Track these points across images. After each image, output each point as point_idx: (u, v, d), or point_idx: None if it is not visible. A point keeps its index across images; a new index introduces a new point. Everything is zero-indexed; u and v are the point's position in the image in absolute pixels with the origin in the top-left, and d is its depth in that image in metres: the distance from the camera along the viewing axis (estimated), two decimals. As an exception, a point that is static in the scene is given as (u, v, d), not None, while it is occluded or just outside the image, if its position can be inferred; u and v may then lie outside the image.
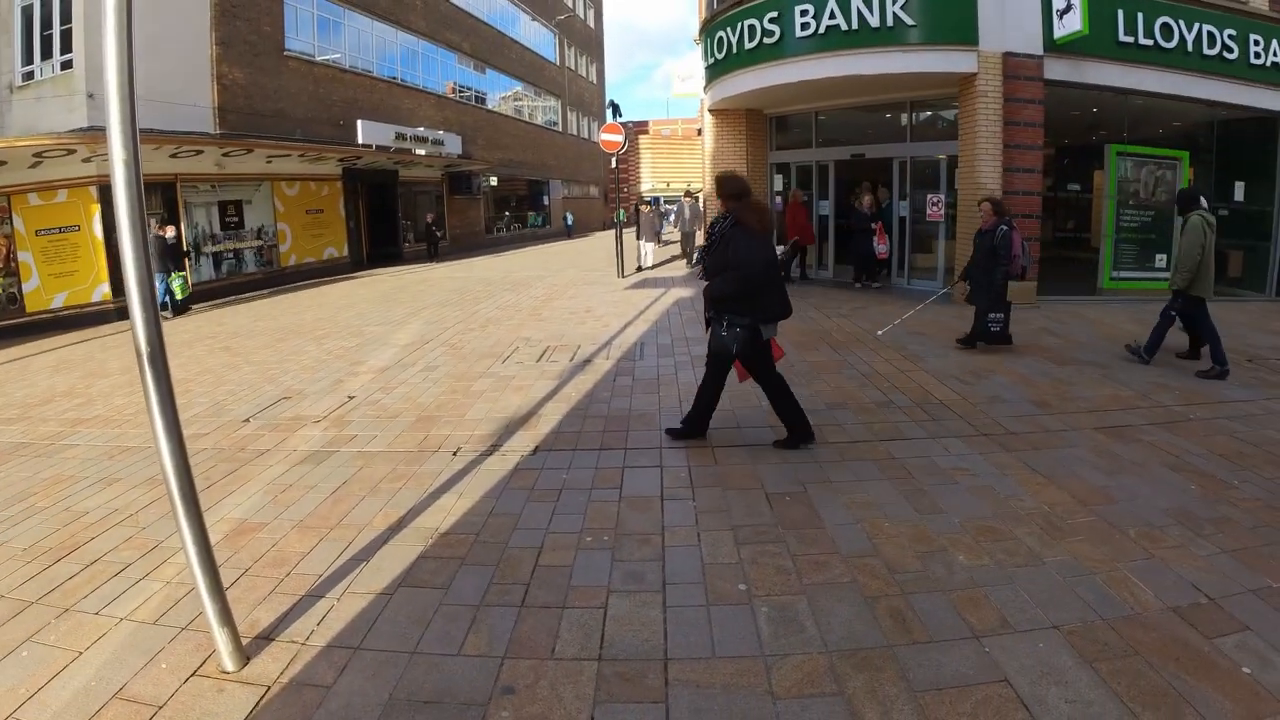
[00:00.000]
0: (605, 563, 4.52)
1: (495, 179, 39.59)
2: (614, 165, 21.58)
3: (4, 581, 4.64)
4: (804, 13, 14.32)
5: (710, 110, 18.91)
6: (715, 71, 17.39)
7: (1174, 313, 9.24)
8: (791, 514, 5.09)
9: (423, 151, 29.86)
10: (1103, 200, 15.26)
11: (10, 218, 16.52)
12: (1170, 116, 16.22)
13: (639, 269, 21.14)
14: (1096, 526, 4.77)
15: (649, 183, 79.68)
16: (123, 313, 17.31)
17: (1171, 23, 14.23)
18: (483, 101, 39.78)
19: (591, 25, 61.59)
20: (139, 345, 3.29)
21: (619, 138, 20.12)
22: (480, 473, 6.09)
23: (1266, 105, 15.60)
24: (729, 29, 16.18)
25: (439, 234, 30.94)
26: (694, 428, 6.62)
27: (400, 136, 28.38)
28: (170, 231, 17.97)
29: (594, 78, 61.90)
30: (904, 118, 16.54)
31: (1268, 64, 15.27)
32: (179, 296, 17.70)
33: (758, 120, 18.91)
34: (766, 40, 15.13)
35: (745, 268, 5.78)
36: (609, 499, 5.47)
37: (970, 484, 5.52)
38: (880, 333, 11.02)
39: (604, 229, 45.68)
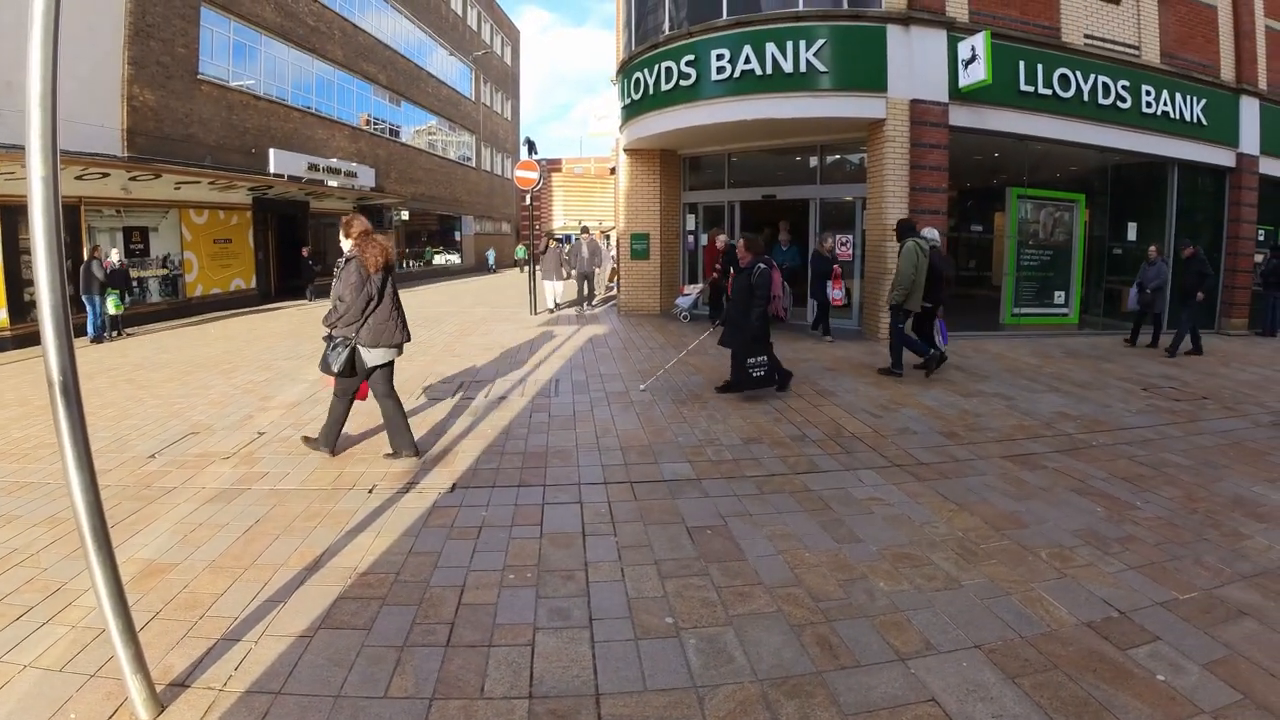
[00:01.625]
0: (530, 600, 4.49)
1: (407, 213, 39.27)
2: (528, 202, 21.63)
3: None
4: (720, 57, 14.73)
5: (625, 150, 19.04)
6: (631, 111, 17.58)
7: (900, 325, 10.98)
8: (713, 547, 5.14)
9: (335, 183, 29.48)
10: (1004, 240, 16.14)
11: (-98, 244, 15.83)
12: (1068, 161, 17.15)
13: (550, 310, 20.82)
14: (1009, 549, 4.98)
15: (561, 220, 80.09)
16: (20, 340, 17.16)
17: (1069, 73, 15.36)
18: (397, 135, 39.53)
19: (509, 62, 61.87)
20: (51, 375, 3.15)
21: (534, 174, 20.21)
22: (398, 510, 5.99)
23: (1156, 151, 16.98)
24: (646, 70, 16.43)
25: (315, 266, 27.39)
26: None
27: (313, 167, 27.96)
28: (103, 252, 17.73)
29: (509, 114, 62.02)
30: (814, 160, 16.91)
31: (1158, 113, 16.62)
32: (113, 311, 17.65)
33: (671, 160, 19.23)
34: (683, 82, 15.43)
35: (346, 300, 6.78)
36: (530, 535, 5.44)
37: (885, 513, 5.67)
38: (643, 387, 10.38)
39: (515, 266, 45.43)
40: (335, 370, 6.93)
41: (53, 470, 7.17)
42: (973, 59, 13.94)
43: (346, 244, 6.97)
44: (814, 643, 3.91)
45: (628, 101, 17.69)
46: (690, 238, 19.52)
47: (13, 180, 16.40)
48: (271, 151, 26.07)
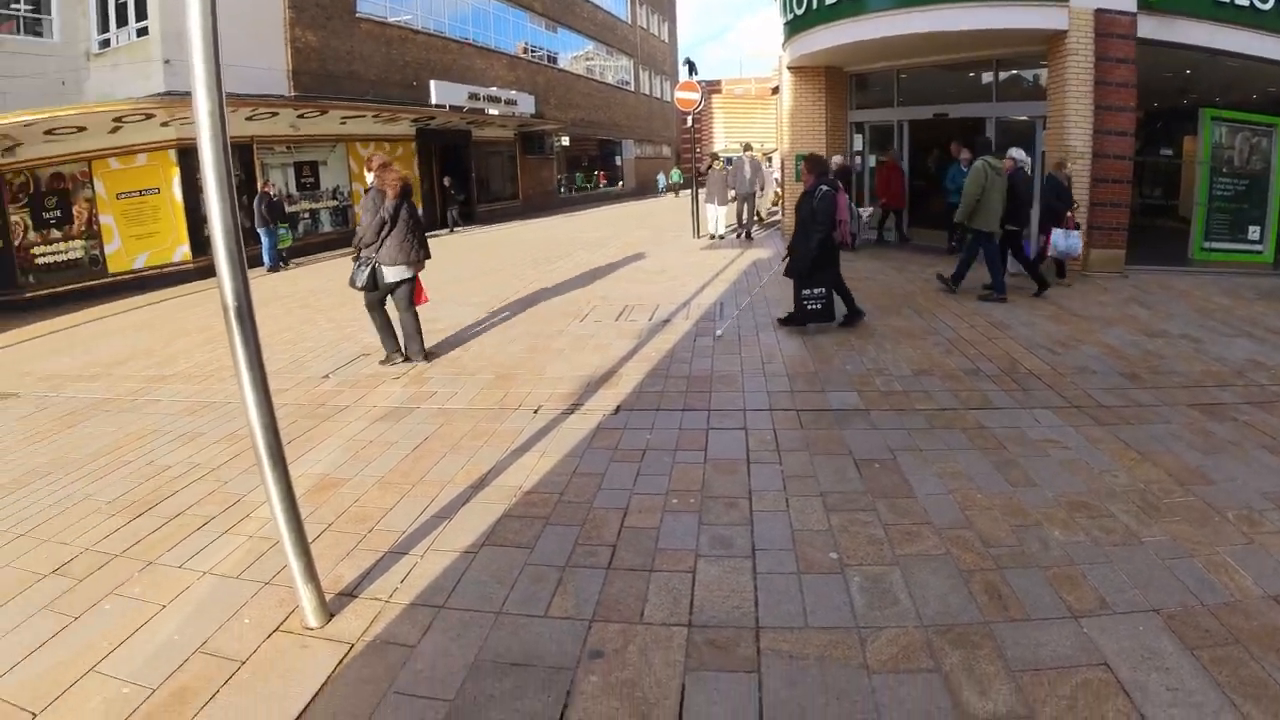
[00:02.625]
0: (692, 526, 4.42)
1: (567, 139, 39.36)
2: (689, 124, 21.14)
3: (89, 535, 4.73)
4: None
5: (789, 67, 18.15)
6: (795, 27, 16.76)
7: (982, 246, 10.87)
8: (881, 482, 4.93)
9: (495, 111, 29.85)
10: (1195, 167, 14.54)
11: (91, 182, 17.02)
12: (1265, 81, 15.26)
13: (712, 236, 19.66)
14: (1194, 507, 4.50)
15: (722, 142, 78.15)
16: (203, 272, 18.04)
17: None
18: (554, 61, 39.49)
19: (664, -18, 60.76)
20: (226, 300, 3.22)
21: (695, 95, 19.81)
22: (562, 431, 6.04)
23: None
24: None
25: (458, 196, 27.24)
26: None
27: (473, 97, 28.37)
28: (274, 188, 18.64)
29: (666, 36, 61.02)
30: (988, 76, 15.87)
31: None
32: (283, 246, 18.51)
33: (837, 78, 18.17)
34: None
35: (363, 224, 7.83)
36: (694, 460, 5.35)
37: (1062, 457, 5.28)
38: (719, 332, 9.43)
39: (671, 191, 44.95)
40: (358, 285, 7.90)
41: (232, 390, 7.53)
42: (1165, -40, 12.56)
43: (369, 177, 7.86)
44: (982, 590, 3.68)
45: (791, 17, 16.85)
46: (858, 158, 18.62)
47: (189, 124, 17.23)
48: (432, 83, 26.61)
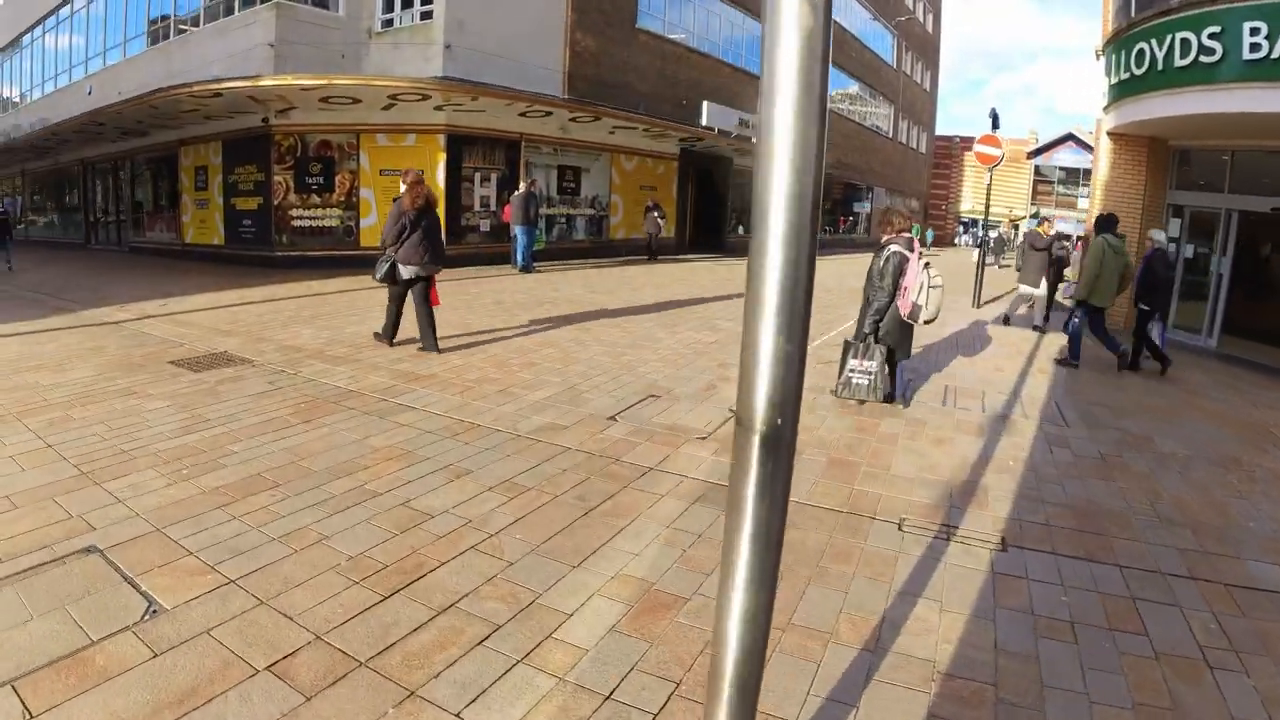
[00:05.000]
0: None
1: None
2: (989, 180, 18.78)
3: (324, 607, 3.29)
4: (1255, 31, 11.43)
5: (1110, 133, 15.98)
6: (1124, 89, 14.44)
7: (1076, 319, 11.03)
8: None
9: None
10: None
11: (357, 154, 16.69)
12: None
13: (1035, 328, 14.46)
14: None
15: (969, 202, 75.27)
16: (452, 262, 17.14)
17: None
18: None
19: (930, 30, 58.23)
20: (753, 418, 1.69)
21: (998, 151, 17.59)
22: (948, 568, 4.21)
23: None
24: (1152, 41, 13.24)
25: (660, 218, 23.20)
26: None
27: (743, 123, 27.06)
28: (538, 187, 18.09)
29: (928, 84, 58.64)
30: None
31: None
32: (538, 248, 17.87)
33: (1160, 151, 15.77)
34: (1203, 58, 12.21)
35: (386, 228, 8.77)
36: (1139, 650, 3.54)
37: None
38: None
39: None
40: (377, 277, 8.80)
41: (503, 411, 6.52)
42: None
43: (402, 188, 8.81)
44: None
45: (1121, 78, 14.52)
46: (1172, 246, 15.31)
47: (461, 111, 16.66)
48: (705, 104, 25.40)
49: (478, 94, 16.02)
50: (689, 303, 13.96)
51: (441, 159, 17.02)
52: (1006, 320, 14.29)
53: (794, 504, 4.82)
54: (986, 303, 17.26)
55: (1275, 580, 4.45)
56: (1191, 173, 15.91)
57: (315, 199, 16.88)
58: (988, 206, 18.89)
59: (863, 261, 25.66)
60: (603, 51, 21.80)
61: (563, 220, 21.11)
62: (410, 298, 8.93)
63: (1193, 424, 8.07)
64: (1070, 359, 10.84)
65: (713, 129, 25.19)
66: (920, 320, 7.43)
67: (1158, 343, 11.05)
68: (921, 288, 7.30)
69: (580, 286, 15.44)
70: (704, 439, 6.18)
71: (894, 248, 7.43)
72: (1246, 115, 12.14)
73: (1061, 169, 68.66)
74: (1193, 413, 8.64)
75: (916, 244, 7.50)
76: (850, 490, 5.26)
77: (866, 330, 7.46)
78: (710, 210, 28.38)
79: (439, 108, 16.39)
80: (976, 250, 42.02)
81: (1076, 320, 11.07)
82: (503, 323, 10.79)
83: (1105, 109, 15.83)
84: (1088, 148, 67.16)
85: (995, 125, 18.40)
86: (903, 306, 7.37)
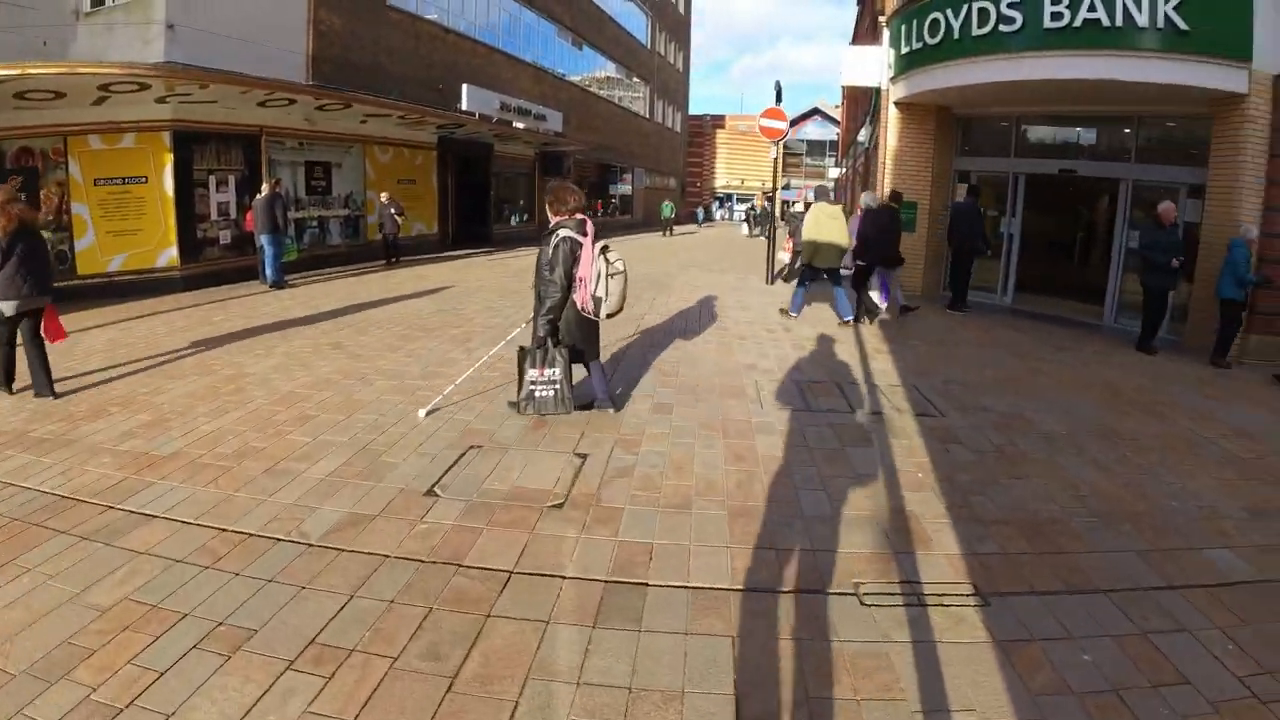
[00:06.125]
0: None
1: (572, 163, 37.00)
2: (775, 154, 18.49)
3: None
4: (1057, 0, 12.00)
5: (897, 103, 16.20)
6: (915, 60, 14.84)
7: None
8: None
9: (523, 125, 27.17)
10: None
11: (65, 162, 13.87)
12: None
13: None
14: None
15: (723, 179, 77.20)
16: (190, 281, 15.13)
17: None
18: (577, 80, 37.21)
19: (682, 11, 58.82)
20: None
21: (783, 124, 17.22)
22: (951, 654, 3.57)
23: None
24: (948, 11, 13.62)
25: (399, 217, 19.84)
26: None
27: (505, 107, 25.77)
28: (284, 188, 16.09)
29: (680, 65, 59.22)
30: (1126, 133, 14.26)
31: None
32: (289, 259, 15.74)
33: (946, 120, 16.34)
34: (1003, 28, 12.67)
35: None
36: (1200, 712, 3.21)
37: None
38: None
39: (664, 229, 40.89)
40: None
41: (283, 505, 4.78)
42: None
43: None
44: None
45: (914, 48, 14.85)
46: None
47: (188, 103, 14.38)
48: (465, 87, 23.91)
49: (208, 81, 13.72)
50: (476, 311, 12.65)
51: (169, 161, 14.53)
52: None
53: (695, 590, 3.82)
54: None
55: (1237, 567, 4.62)
56: (977, 139, 16.73)
57: (17, 221, 13.84)
58: (776, 184, 18.75)
59: (649, 243, 25.14)
60: (351, 32, 19.89)
61: (314, 224, 18.87)
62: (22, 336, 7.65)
63: (1047, 394, 8.48)
64: (845, 318, 12.02)
65: (474, 114, 23.77)
66: (601, 315, 6.52)
67: (878, 296, 13.10)
68: (599, 277, 6.40)
69: (344, 299, 13.69)
70: (559, 506, 5.02)
71: (564, 232, 6.42)
72: (1047, 82, 12.69)
73: (806, 141, 71.91)
74: (1041, 380, 9.19)
75: (590, 226, 6.50)
76: (756, 546, 4.43)
77: (542, 333, 6.47)
78: (473, 201, 26.81)
79: (162, 99, 13.95)
80: (744, 225, 42.81)
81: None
82: (258, 360, 8.92)
83: (893, 80, 16.05)
84: (832, 120, 70.51)
85: (779, 99, 18.34)
86: (580, 300, 6.47)
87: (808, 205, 22.07)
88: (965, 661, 3.49)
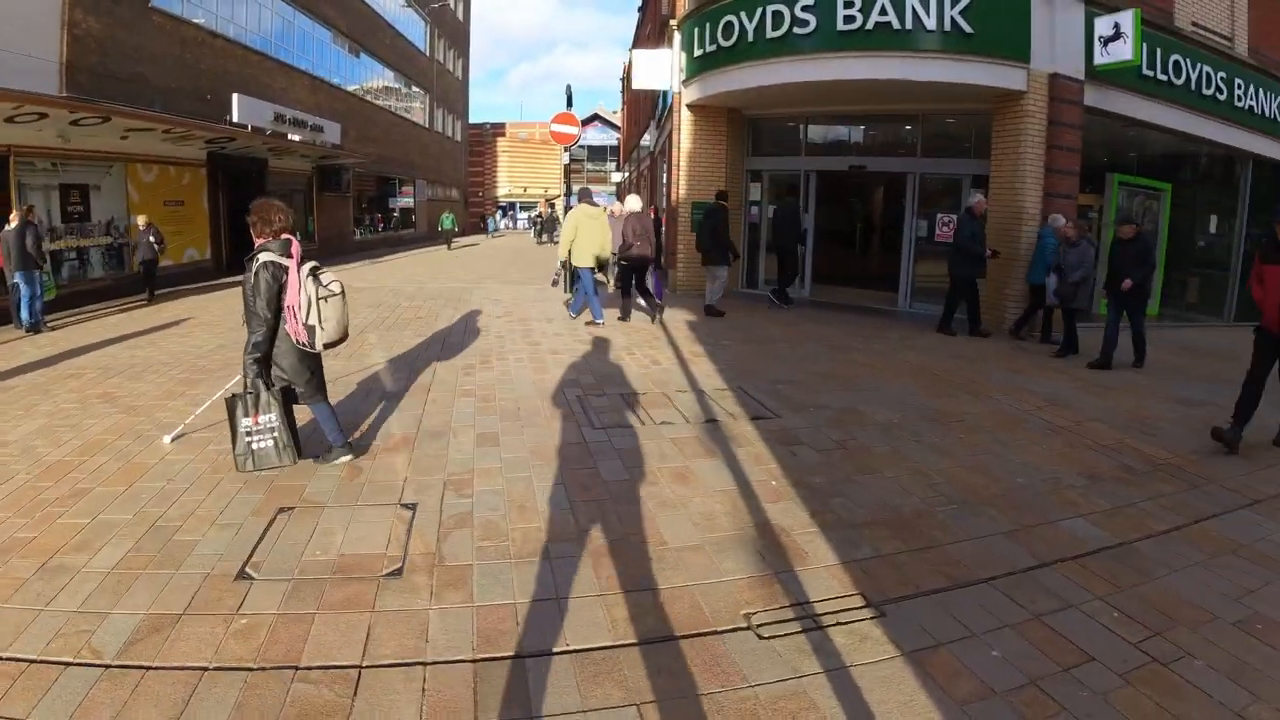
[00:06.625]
0: None
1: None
2: (566, 159, 18.28)
3: None
4: (849, 4, 12.81)
5: (690, 105, 16.61)
6: (709, 62, 15.35)
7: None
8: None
9: (298, 137, 25.70)
10: (1103, 227, 15.05)
11: None
12: (1156, 148, 16.70)
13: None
14: None
15: (505, 187, 76.81)
16: None
17: (1181, 60, 14.67)
18: (355, 90, 35.79)
19: (461, 19, 57.76)
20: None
21: (575, 129, 17.06)
22: (866, 679, 3.45)
23: (1241, 145, 17.01)
24: (742, 13, 14.16)
25: (158, 245, 17.36)
26: None
27: (279, 118, 24.19)
28: (38, 217, 13.95)
29: (460, 73, 58.18)
30: (910, 130, 15.66)
31: (1245, 106, 16.47)
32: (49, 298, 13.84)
33: (737, 121, 17.04)
34: (797, 30, 13.43)
35: None
36: (1113, 687, 3.38)
37: None
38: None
39: (443, 240, 39.84)
40: None
41: (65, 615, 3.51)
42: (1115, 36, 12.83)
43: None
44: None
45: (706, 50, 15.29)
46: (754, 209, 17.61)
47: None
48: (236, 97, 22.12)
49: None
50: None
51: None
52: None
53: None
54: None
55: (1093, 534, 5.00)
56: (767, 140, 17.69)
57: None
58: (569, 189, 18.44)
59: (434, 257, 24.29)
60: (110, 37, 17.88)
61: (73, 255, 16.82)
62: None
63: (870, 384, 8.92)
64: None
65: (246, 126, 22.22)
66: (318, 345, 5.77)
67: (653, 292, 13.67)
68: (309, 304, 5.65)
69: (112, 340, 12.19)
70: (397, 573, 4.39)
71: (265, 256, 5.61)
72: (840, 82, 13.40)
73: (586, 147, 72.66)
74: (861, 370, 9.65)
75: (296, 247, 5.73)
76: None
77: (250, 375, 5.70)
78: (246, 222, 24.98)
79: None
80: (531, 231, 42.57)
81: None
82: (17, 423, 7.50)
83: (685, 83, 16.59)
84: (613, 126, 71.36)
85: (570, 103, 18.60)
86: (293, 332, 5.69)
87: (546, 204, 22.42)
88: (885, 683, 3.38)
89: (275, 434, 5.74)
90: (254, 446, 5.73)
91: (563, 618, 3.92)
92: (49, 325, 13.64)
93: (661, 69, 17.06)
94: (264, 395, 5.70)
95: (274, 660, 3.57)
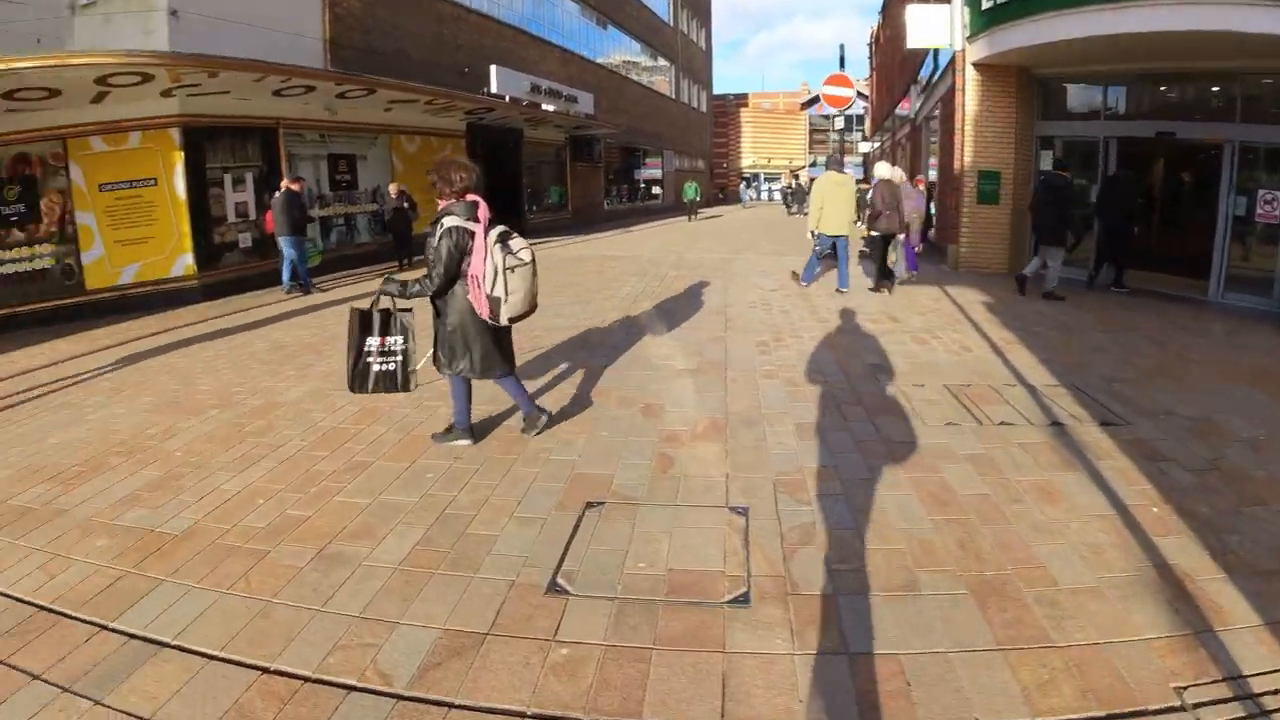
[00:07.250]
0: None
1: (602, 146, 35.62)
2: (840, 124, 17.11)
3: None
4: None
5: (976, 64, 14.63)
6: (999, 15, 13.32)
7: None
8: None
9: (553, 108, 25.81)
10: None
11: (66, 168, 12.46)
12: None
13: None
14: None
15: (749, 158, 75.70)
16: (210, 291, 13.18)
17: None
18: (603, 61, 35.80)
19: (702, -11, 57.05)
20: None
21: (849, 91, 15.72)
22: None
23: None
24: None
25: (411, 212, 17.46)
26: None
27: (535, 89, 24.38)
28: (303, 186, 14.39)
29: (703, 43, 57.49)
30: (1227, 91, 12.67)
31: None
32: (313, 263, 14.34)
33: (1026, 82, 14.76)
34: None
35: None
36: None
37: None
38: None
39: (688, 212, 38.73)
40: None
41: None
42: None
43: None
44: None
45: (997, 1, 13.35)
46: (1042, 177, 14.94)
47: (197, 95, 13.00)
48: (493, 69, 22.48)
49: (217, 68, 12.21)
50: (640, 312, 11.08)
51: (179, 161, 13.15)
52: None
53: None
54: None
55: None
56: (1059, 101, 15.35)
57: (18, 234, 12.15)
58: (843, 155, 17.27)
59: (684, 228, 23.75)
60: (369, 14, 18.41)
61: (340, 222, 17.48)
62: None
63: (1209, 386, 7.13)
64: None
65: (504, 97, 22.36)
66: (503, 319, 5.03)
67: (903, 266, 13.44)
68: (496, 274, 4.88)
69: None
70: (743, 599, 3.33)
71: (450, 220, 5.00)
72: (1151, 34, 11.02)
73: (831, 116, 70.30)
74: (1192, 369, 7.79)
75: (484, 209, 5.04)
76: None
77: (395, 291, 5.26)
78: (504, 190, 25.28)
79: (168, 93, 12.60)
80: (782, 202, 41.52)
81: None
82: (291, 385, 7.40)
83: (970, 38, 14.54)
84: (860, 95, 68.83)
85: (843, 64, 17.13)
86: (477, 305, 5.06)
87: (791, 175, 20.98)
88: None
89: (398, 359, 5.47)
90: (373, 368, 5.45)
91: (958, 678, 2.92)
92: (317, 287, 14.13)
93: (939, 26, 15.31)
94: (397, 315, 5.45)
95: (608, 713, 2.80)
